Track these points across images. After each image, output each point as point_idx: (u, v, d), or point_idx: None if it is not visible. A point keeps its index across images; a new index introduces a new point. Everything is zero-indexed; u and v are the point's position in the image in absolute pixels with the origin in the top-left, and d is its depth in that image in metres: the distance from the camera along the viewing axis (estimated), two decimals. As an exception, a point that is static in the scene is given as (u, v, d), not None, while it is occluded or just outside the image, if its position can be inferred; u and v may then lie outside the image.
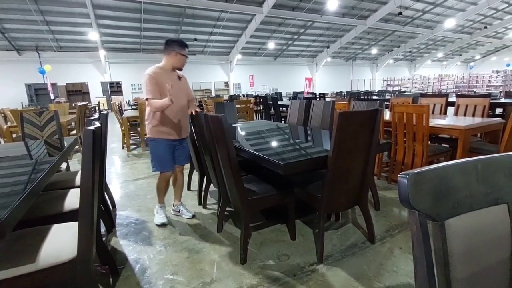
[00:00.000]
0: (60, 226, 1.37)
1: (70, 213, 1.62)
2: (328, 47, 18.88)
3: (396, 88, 20.11)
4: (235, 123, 3.45)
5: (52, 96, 12.30)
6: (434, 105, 3.94)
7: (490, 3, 14.15)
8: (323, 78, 21.60)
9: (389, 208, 2.51)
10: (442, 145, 3.28)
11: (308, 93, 9.17)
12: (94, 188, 1.23)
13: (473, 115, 3.44)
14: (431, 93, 4.77)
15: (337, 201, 1.83)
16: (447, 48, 21.95)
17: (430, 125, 2.66)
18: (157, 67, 2.17)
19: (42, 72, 10.57)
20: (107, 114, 2.28)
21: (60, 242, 1.23)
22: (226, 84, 18.85)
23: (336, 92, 11.41)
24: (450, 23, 14.64)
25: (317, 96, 8.07)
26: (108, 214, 2.29)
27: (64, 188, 1.92)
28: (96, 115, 2.26)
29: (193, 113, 2.25)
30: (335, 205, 1.88)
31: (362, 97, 8.67)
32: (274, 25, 14.63)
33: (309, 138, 2.55)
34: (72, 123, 5.34)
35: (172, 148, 2.26)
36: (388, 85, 21.98)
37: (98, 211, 1.45)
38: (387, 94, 10.34)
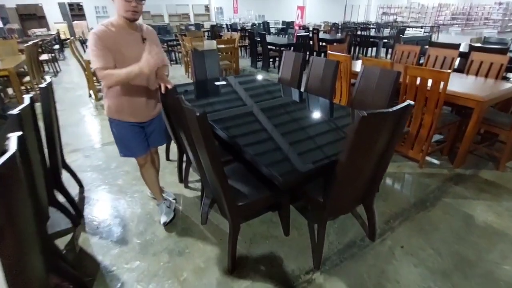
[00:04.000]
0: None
1: None
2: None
3: (392, 18, 18.61)
4: (218, 81, 2.92)
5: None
6: (444, 58, 3.47)
7: None
8: (315, 6, 19.43)
9: (389, 189, 2.32)
10: (447, 112, 2.98)
11: (300, 26, 8.12)
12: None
13: (486, 76, 3.05)
14: (440, 42, 4.16)
15: (342, 205, 1.57)
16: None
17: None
18: (110, 23, 1.53)
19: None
20: (49, 87, 1.74)
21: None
22: (207, 8, 16.62)
23: (331, 26, 10.25)
24: None
25: (310, 32, 7.16)
26: (70, 202, 1.96)
27: None
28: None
29: (162, 91, 1.74)
30: (338, 210, 1.63)
31: (359, 33, 7.82)
32: None
33: (309, 119, 1.98)
34: (25, 67, 4.48)
35: (140, 129, 1.80)
36: (384, 13, 20.25)
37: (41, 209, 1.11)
38: (385, 29, 9.40)
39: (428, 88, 2.38)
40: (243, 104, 2.21)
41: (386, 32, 8.55)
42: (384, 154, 1.43)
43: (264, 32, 6.61)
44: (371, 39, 7.58)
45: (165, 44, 7.44)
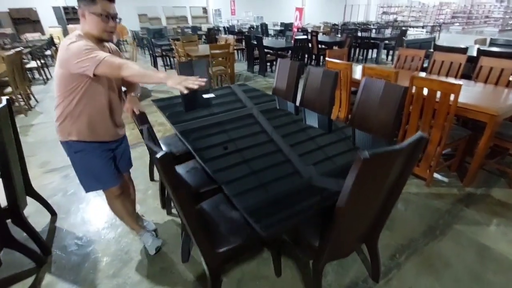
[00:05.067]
0: None
1: None
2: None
3: (392, 17, 18.34)
4: (206, 93, 2.69)
5: (-11, 28, 10.20)
6: (451, 64, 3.23)
7: None
8: (314, 6, 19.19)
9: (394, 214, 2.09)
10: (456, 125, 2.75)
11: (298, 29, 7.88)
12: None
13: (496, 83, 2.81)
14: (445, 46, 3.91)
15: (340, 249, 1.34)
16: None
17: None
18: (79, 36, 1.31)
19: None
20: (3, 111, 1.52)
21: None
22: (205, 10, 16.41)
23: (331, 27, 9.99)
24: None
25: (308, 34, 6.92)
26: (35, 239, 1.73)
27: None
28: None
29: (133, 113, 1.51)
30: (336, 254, 1.40)
31: (360, 35, 7.57)
32: None
33: (303, 146, 1.59)
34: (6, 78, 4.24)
35: (110, 153, 1.56)
36: (384, 13, 19.99)
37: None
38: (386, 30, 9.15)
39: (437, 100, 2.15)
40: (228, 127, 1.94)
41: (387, 33, 8.30)
42: (392, 191, 1.20)
43: (261, 35, 6.39)
44: (372, 41, 7.34)
45: (159, 49, 7.22)
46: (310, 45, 6.88)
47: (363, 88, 1.99)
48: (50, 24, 13.01)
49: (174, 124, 1.90)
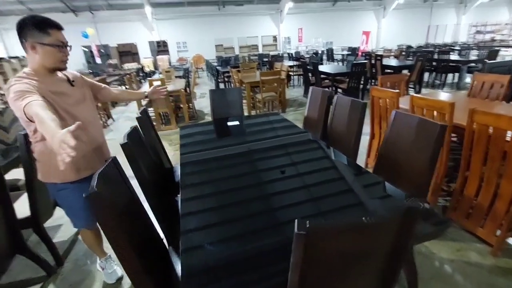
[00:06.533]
0: None
1: None
2: (401, -15, 15.26)
3: (488, 37, 15.74)
4: (233, 120, 2.65)
5: (99, 60, 12.65)
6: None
7: None
8: (392, 26, 18.04)
9: (437, 283, 1.58)
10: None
11: (362, 52, 7.43)
12: None
13: None
14: None
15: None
16: None
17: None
18: (25, 74, 1.27)
19: (85, 36, 10.70)
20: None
21: None
22: (275, 38, 17.15)
23: (404, 49, 9.08)
24: None
25: (372, 57, 6.42)
26: (50, 248, 1.90)
27: None
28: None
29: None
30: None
31: (435, 57, 6.65)
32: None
33: (299, 193, 1.32)
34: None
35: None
36: (477, 32, 17.38)
37: None
38: (472, 51, 7.81)
39: (508, 139, 1.62)
40: (226, 163, 1.82)
41: (474, 54, 7.09)
42: (390, 264, 0.88)
43: (318, 61, 6.21)
44: (452, 64, 6.34)
45: (222, 75, 7.74)
46: (374, 70, 6.36)
47: (392, 124, 1.63)
48: (145, 55, 15.49)
49: (182, 154, 1.89)
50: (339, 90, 6.11)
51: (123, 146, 1.39)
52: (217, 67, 7.97)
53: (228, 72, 7.85)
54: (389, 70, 6.38)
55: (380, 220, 0.68)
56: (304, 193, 1.35)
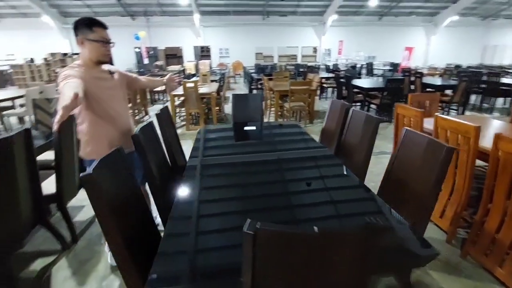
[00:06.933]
0: None
1: None
2: (455, 1, 14.31)
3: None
4: (251, 126, 2.71)
5: (146, 61, 13.60)
6: None
7: None
8: (443, 44, 16.96)
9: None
10: None
11: (403, 68, 7.09)
12: None
13: None
14: None
15: None
16: None
17: None
18: (75, 64, 1.56)
19: (137, 38, 11.64)
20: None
21: None
22: (315, 49, 17.06)
23: (447, 69, 8.47)
24: None
25: (411, 73, 6.10)
26: (68, 224, 2.09)
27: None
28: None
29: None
30: None
31: (484, 78, 6.11)
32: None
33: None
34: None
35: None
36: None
37: None
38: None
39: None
40: (228, 171, 1.87)
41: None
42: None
43: (351, 75, 6.07)
44: (504, 87, 5.78)
45: (256, 82, 7.90)
46: (413, 87, 6.04)
47: (402, 143, 1.56)
48: (189, 59, 16.34)
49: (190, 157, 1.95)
50: (372, 106, 5.90)
51: (133, 136, 1.52)
52: (252, 74, 8.16)
53: (260, 80, 8.02)
54: (430, 89, 6.01)
55: (330, 232, 0.67)
56: (298, 211, 1.33)
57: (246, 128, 2.65)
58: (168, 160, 2.05)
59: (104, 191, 1.04)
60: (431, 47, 17.18)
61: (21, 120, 5.27)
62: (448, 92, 5.75)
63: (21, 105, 5.45)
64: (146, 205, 1.38)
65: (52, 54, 13.48)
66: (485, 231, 1.78)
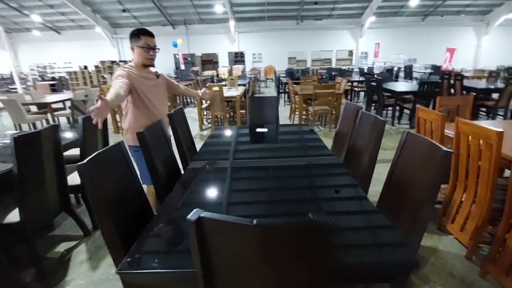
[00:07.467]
0: None
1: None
2: (512, -3, 12.94)
3: None
4: (264, 127, 2.74)
5: (183, 67, 14.30)
6: None
7: None
8: (496, 44, 15.38)
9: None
10: None
11: (445, 70, 6.58)
12: None
13: None
14: None
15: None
16: None
17: None
18: (128, 65, 1.88)
19: (175, 45, 12.32)
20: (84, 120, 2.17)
21: None
22: (350, 53, 16.54)
23: (494, 71, 7.64)
24: None
25: (451, 76, 5.63)
26: (90, 212, 2.30)
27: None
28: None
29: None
30: None
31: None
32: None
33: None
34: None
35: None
36: None
37: None
38: None
39: None
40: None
41: None
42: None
43: (382, 78, 5.79)
44: None
45: (284, 86, 7.92)
46: (452, 90, 5.59)
47: (403, 147, 1.47)
48: (223, 64, 16.87)
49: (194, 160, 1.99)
50: (405, 111, 5.57)
51: (138, 134, 1.64)
52: (281, 78, 8.20)
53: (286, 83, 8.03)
54: (473, 93, 5.50)
55: (266, 224, 0.68)
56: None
57: (258, 130, 2.69)
58: (178, 160, 2.15)
59: (99, 180, 1.16)
60: (483, 48, 15.69)
61: (68, 120, 5.89)
62: (495, 96, 5.22)
63: (69, 107, 6.10)
64: (145, 198, 1.49)
65: (102, 62, 14.89)
66: (507, 248, 1.60)
